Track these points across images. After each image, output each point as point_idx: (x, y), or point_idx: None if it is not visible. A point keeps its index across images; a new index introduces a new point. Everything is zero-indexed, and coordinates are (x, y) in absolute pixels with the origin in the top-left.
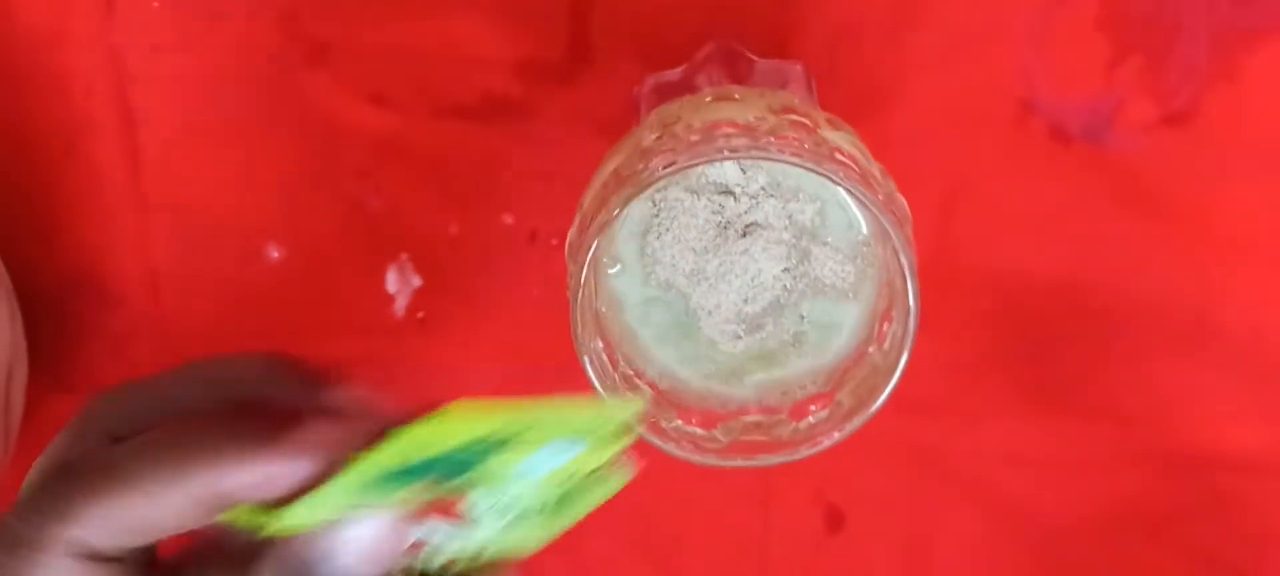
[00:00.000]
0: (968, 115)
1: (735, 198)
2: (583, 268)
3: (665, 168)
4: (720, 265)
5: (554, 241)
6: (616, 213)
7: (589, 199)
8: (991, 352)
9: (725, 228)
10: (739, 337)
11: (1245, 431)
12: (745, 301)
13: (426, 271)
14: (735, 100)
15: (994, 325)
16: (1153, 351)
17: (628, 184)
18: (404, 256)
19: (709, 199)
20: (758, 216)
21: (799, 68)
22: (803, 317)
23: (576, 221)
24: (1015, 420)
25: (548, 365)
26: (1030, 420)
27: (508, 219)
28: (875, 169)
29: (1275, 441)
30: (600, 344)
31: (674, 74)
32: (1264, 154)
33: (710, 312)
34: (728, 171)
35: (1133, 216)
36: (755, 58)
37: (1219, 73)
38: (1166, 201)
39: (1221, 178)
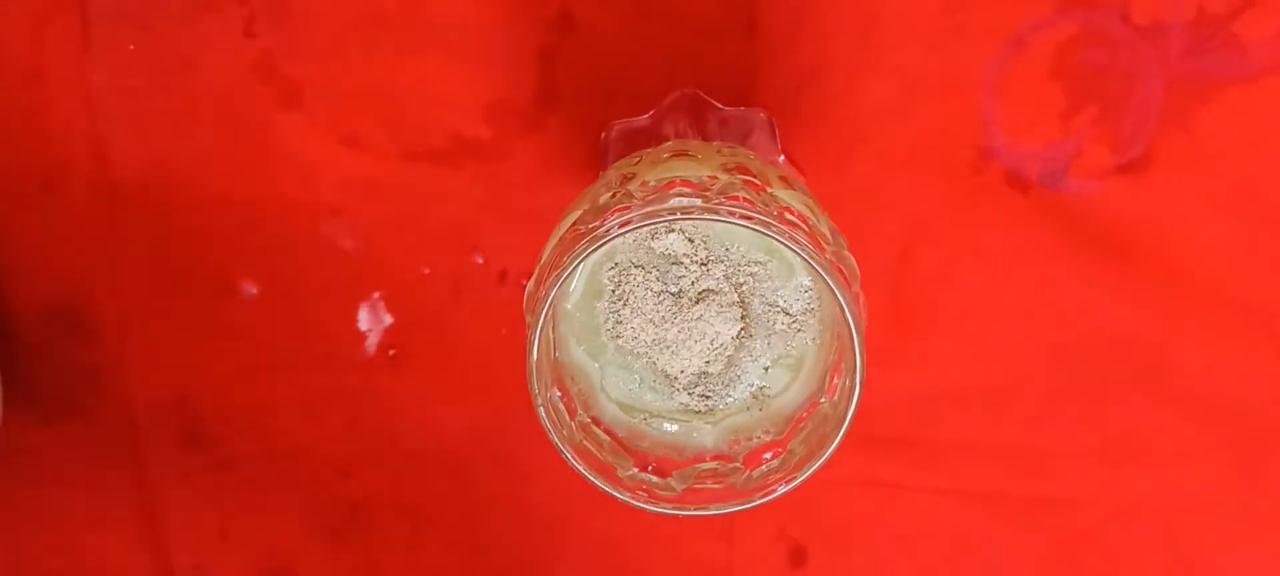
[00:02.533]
0: (928, 160)
1: (685, 267)
2: (539, 320)
3: (620, 226)
4: (679, 333)
5: (523, 281)
6: (570, 270)
7: (547, 254)
8: (950, 390)
9: (679, 297)
10: (707, 398)
11: (1199, 468)
12: (707, 364)
13: (398, 309)
14: (691, 157)
15: (952, 364)
16: (1108, 390)
17: (583, 239)
18: (376, 294)
19: (660, 272)
20: (709, 283)
21: (762, 115)
22: (766, 370)
23: (535, 275)
24: (973, 456)
25: (515, 402)
26: (988, 456)
27: (478, 259)
28: (825, 227)
29: (1229, 478)
30: (557, 393)
31: (641, 120)
32: (1216, 200)
33: (675, 377)
34: (675, 244)
35: (1089, 260)
36: (720, 105)
37: (1172, 122)
38: (1121, 246)
39: (1175, 223)
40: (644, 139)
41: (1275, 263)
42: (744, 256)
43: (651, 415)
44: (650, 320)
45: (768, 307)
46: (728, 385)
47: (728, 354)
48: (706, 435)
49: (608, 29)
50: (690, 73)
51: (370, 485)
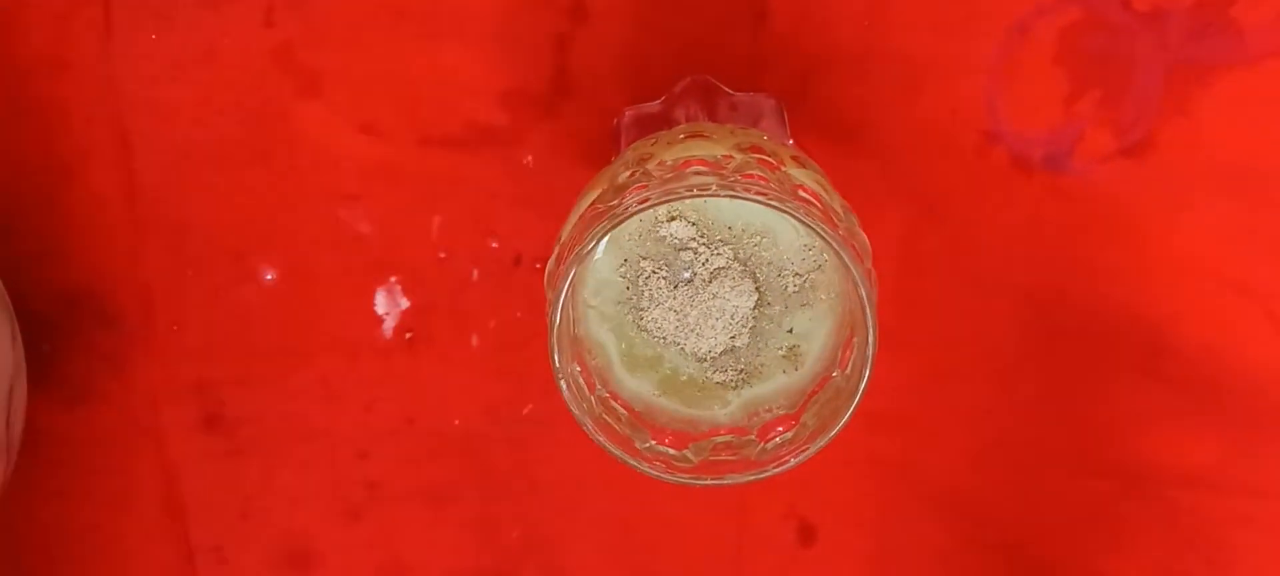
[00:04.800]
0: (933, 144)
1: (694, 251)
2: (560, 296)
3: (639, 204)
4: (700, 315)
5: (537, 265)
6: (591, 246)
7: (567, 232)
8: (956, 370)
9: (692, 281)
10: (742, 371)
11: (1199, 446)
12: (733, 338)
13: (414, 293)
14: (705, 138)
15: (958, 345)
16: (1110, 370)
17: (603, 218)
18: (393, 279)
19: (669, 261)
20: (718, 262)
21: (771, 101)
22: (790, 331)
23: (555, 253)
24: (979, 435)
25: (531, 384)
26: (994, 435)
27: (493, 243)
28: (837, 204)
29: (1227, 456)
30: (577, 368)
31: (653, 106)
32: (1216, 183)
33: (704, 358)
34: (679, 231)
35: (1092, 242)
36: (730, 91)
37: (1173, 106)
38: (1123, 227)
39: (1176, 206)
40: (656, 124)
41: (1273, 243)
42: (746, 229)
43: (688, 397)
44: (670, 309)
45: (777, 274)
46: (757, 354)
47: (750, 325)
48: (722, 410)
49: (620, 17)
50: (701, 59)
51: (388, 465)
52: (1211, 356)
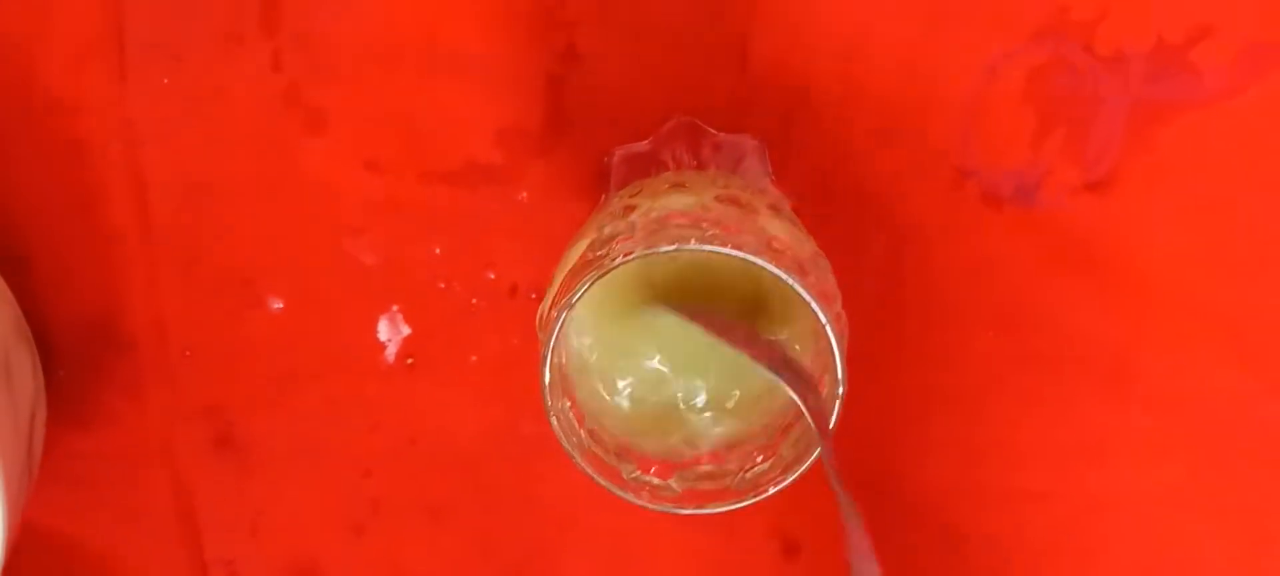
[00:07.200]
0: (909, 180)
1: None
2: (551, 339)
3: (624, 255)
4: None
5: (532, 295)
6: (579, 294)
7: (558, 279)
8: (931, 394)
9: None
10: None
11: (1164, 466)
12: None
13: (415, 321)
14: (686, 189)
15: (933, 369)
16: (1079, 394)
17: (591, 268)
18: (395, 307)
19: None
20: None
21: (754, 141)
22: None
23: (548, 297)
24: (956, 456)
25: (526, 406)
26: (969, 457)
27: (490, 274)
28: (808, 252)
29: (1192, 475)
30: (567, 403)
31: (642, 146)
32: (1176, 214)
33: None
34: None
35: (1059, 272)
36: (714, 132)
37: (1136, 144)
38: (1089, 257)
39: (1138, 236)
40: (645, 163)
41: (1232, 270)
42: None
43: (654, 428)
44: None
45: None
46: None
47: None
48: (704, 442)
49: (611, 59)
50: (688, 100)
51: (391, 483)
52: (1174, 377)
